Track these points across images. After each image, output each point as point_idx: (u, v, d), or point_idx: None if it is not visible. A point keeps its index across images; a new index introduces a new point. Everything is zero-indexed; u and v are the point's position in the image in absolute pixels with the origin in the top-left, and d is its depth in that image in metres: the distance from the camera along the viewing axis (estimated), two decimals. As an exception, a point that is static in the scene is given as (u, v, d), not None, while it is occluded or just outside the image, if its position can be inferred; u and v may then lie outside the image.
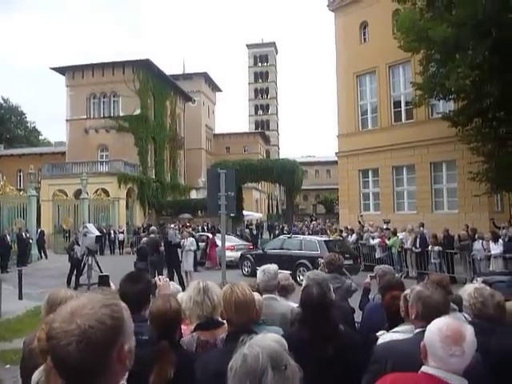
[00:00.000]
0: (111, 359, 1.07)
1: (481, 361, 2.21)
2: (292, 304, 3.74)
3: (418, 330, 2.32)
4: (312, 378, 2.35)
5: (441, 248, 14.57)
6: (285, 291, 3.92)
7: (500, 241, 13.37)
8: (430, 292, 2.47)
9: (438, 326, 1.87)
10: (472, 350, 1.83)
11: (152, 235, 14.26)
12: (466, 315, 3.08)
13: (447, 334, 1.82)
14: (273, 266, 3.74)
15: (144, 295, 2.61)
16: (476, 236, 14.42)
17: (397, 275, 16.23)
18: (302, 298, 2.79)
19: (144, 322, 2.53)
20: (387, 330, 2.95)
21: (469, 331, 1.86)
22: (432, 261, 14.83)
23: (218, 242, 18.88)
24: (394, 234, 16.55)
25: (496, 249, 13.21)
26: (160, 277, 3.36)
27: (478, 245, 13.88)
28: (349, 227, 20.66)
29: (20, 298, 11.24)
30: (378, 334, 3.03)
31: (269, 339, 1.40)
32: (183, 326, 3.00)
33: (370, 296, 4.49)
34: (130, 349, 1.13)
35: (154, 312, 2.39)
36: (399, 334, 2.59)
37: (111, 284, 2.49)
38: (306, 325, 2.67)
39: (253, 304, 2.36)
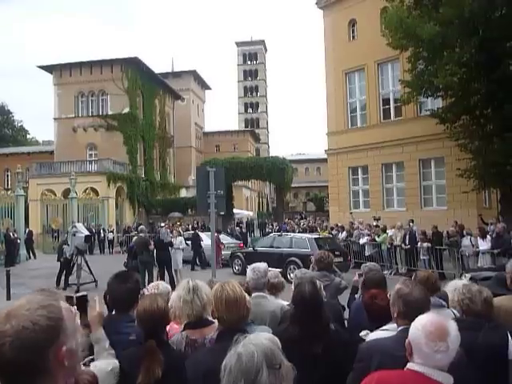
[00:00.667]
0: (48, 360, 1.07)
1: (465, 356, 2.23)
2: (282, 302, 3.73)
3: (400, 328, 2.33)
4: (301, 375, 2.36)
5: (430, 244, 14.69)
6: (274, 289, 3.92)
7: (488, 237, 13.51)
8: (410, 289, 2.48)
9: (421, 323, 1.88)
10: (456, 344, 1.84)
11: (141, 234, 14.17)
12: (455, 311, 3.10)
13: (431, 330, 1.83)
14: (262, 265, 3.74)
15: (132, 295, 2.59)
16: (464, 232, 14.56)
17: (386, 272, 16.22)
18: (295, 297, 2.80)
19: (132, 322, 2.51)
20: (370, 330, 2.96)
21: (452, 326, 1.87)
22: (421, 257, 14.95)
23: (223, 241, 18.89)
24: (384, 230, 16.64)
25: (484, 245, 13.35)
26: (149, 286, 3.33)
27: (466, 241, 14.02)
28: (339, 224, 20.75)
29: (8, 298, 11.12)
30: (361, 334, 3.03)
31: (263, 338, 1.40)
32: (175, 325, 2.99)
33: (356, 294, 4.50)
34: (70, 350, 1.12)
35: (141, 312, 2.38)
36: (388, 332, 2.60)
37: (96, 302, 2.46)
38: (298, 323, 2.67)
39: (243, 302, 2.36)
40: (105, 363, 2.17)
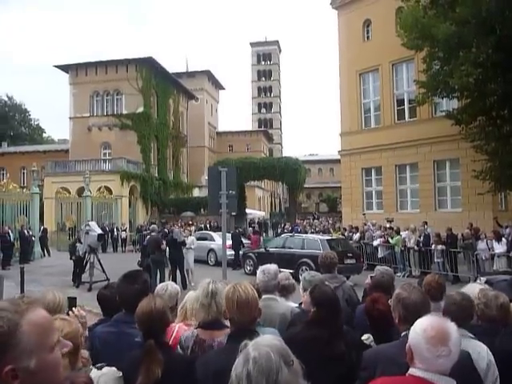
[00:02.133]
0: None
1: (471, 360, 2.18)
2: (292, 304, 3.69)
3: (403, 333, 2.29)
4: (320, 375, 2.35)
5: (444, 247, 14.49)
6: (285, 291, 3.89)
7: (503, 240, 13.30)
8: (408, 293, 2.46)
9: (422, 327, 1.83)
10: (458, 347, 1.79)
11: (153, 233, 14.22)
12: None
13: (432, 335, 1.77)
14: (273, 266, 3.70)
15: (140, 296, 2.57)
16: (480, 235, 14.29)
17: (399, 274, 16.01)
18: (317, 297, 2.81)
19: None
20: (372, 335, 2.92)
21: (453, 329, 1.82)
22: (435, 260, 14.77)
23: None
24: (398, 232, 16.47)
25: (499, 248, 13.15)
26: (158, 287, 3.31)
27: (482, 244, 13.79)
28: (353, 225, 20.61)
29: (22, 295, 11.24)
30: (363, 338, 2.99)
31: (272, 338, 1.42)
32: (184, 326, 2.97)
33: None
34: (25, 369, 1.02)
35: (139, 313, 2.38)
36: None
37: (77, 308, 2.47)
38: (320, 323, 2.69)
39: (255, 303, 2.34)
40: (112, 370, 2.16)
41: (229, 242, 17.28)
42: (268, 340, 1.39)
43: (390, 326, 2.75)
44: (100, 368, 2.13)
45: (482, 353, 2.43)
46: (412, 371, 1.82)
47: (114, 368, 2.17)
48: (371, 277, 4.23)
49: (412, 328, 1.88)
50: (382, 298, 3.09)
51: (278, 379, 1.28)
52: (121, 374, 2.17)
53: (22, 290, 11.41)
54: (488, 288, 3.17)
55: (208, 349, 2.49)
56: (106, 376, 2.14)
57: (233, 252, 18.05)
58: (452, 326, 1.83)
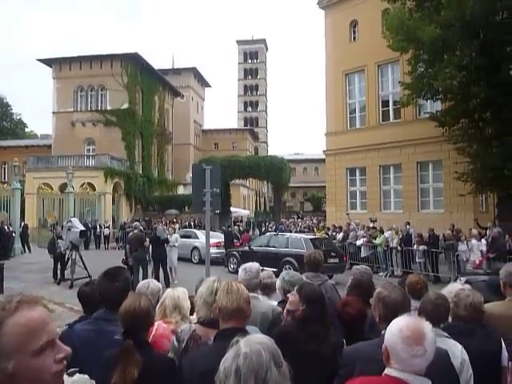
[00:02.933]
0: None
1: (449, 358, 2.21)
2: (274, 303, 3.69)
3: (383, 332, 2.31)
4: (310, 374, 2.35)
5: (426, 247, 14.68)
6: (267, 289, 3.88)
7: (483, 241, 13.51)
8: (388, 292, 2.47)
9: (397, 327, 1.83)
10: (433, 347, 1.80)
11: (136, 231, 14.12)
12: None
13: (408, 335, 1.78)
14: (255, 265, 3.69)
15: (121, 293, 2.54)
16: (461, 237, 14.47)
17: (381, 274, 16.15)
18: (307, 294, 2.82)
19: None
20: (344, 338, 2.94)
21: (428, 329, 1.83)
22: (417, 260, 14.95)
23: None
24: (382, 232, 16.61)
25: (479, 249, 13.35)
26: (140, 284, 3.26)
27: (463, 246, 13.98)
28: (337, 225, 20.74)
29: (1, 292, 11.04)
30: None
31: (263, 337, 1.42)
32: (164, 324, 2.95)
33: None
34: (1, 370, 0.98)
35: (122, 311, 2.35)
36: None
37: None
38: (315, 320, 2.70)
39: (247, 298, 2.35)
40: (84, 378, 2.08)
41: (215, 240, 17.25)
42: (260, 338, 1.40)
43: (360, 328, 2.76)
44: (71, 374, 2.05)
45: (455, 352, 2.46)
46: (388, 371, 1.82)
47: (86, 376, 2.10)
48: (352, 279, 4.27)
49: (388, 328, 1.89)
50: (353, 302, 3.11)
51: (267, 378, 1.27)
52: (94, 382, 2.11)
53: (2, 287, 11.25)
54: (467, 288, 3.21)
55: (202, 346, 2.48)
56: None
57: (219, 250, 18.06)
58: (427, 326, 1.84)
